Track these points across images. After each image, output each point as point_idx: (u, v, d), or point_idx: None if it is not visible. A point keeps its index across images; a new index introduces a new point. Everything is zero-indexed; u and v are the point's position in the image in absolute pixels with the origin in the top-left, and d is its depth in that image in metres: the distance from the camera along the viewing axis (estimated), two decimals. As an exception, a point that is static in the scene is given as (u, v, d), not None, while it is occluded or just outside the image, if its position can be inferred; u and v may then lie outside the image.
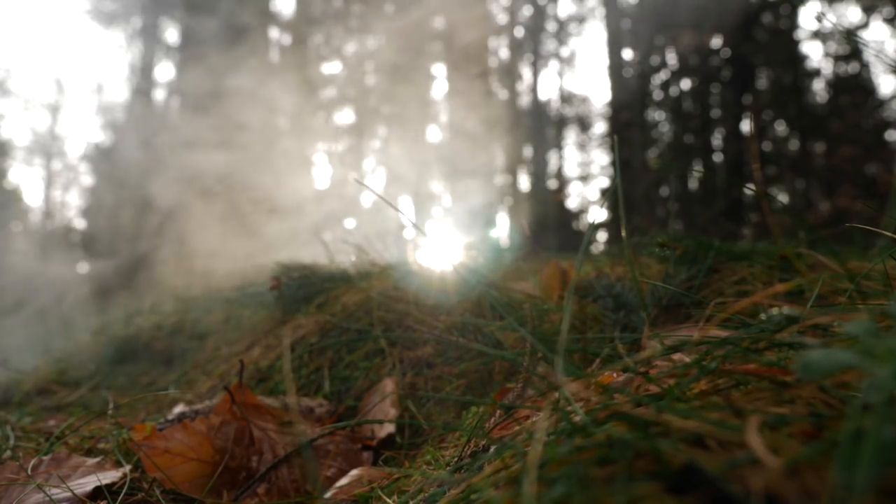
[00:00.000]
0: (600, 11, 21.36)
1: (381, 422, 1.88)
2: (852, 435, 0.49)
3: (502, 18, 22.09)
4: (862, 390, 0.56)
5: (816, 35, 18.63)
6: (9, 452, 1.88)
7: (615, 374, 0.94)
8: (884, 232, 0.80)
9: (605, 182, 23.77)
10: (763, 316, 0.89)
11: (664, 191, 20.32)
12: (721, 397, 0.77)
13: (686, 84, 20.21)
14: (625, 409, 0.74)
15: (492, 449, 0.85)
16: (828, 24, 18.15)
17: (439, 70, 21.01)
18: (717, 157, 18.92)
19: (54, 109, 26.87)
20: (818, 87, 18.56)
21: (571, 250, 13.92)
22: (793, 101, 17.79)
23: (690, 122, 19.92)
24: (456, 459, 1.20)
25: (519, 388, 1.83)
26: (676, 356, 0.88)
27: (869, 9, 16.69)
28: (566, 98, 24.84)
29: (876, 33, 19.09)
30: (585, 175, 24.96)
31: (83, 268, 22.63)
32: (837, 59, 18.19)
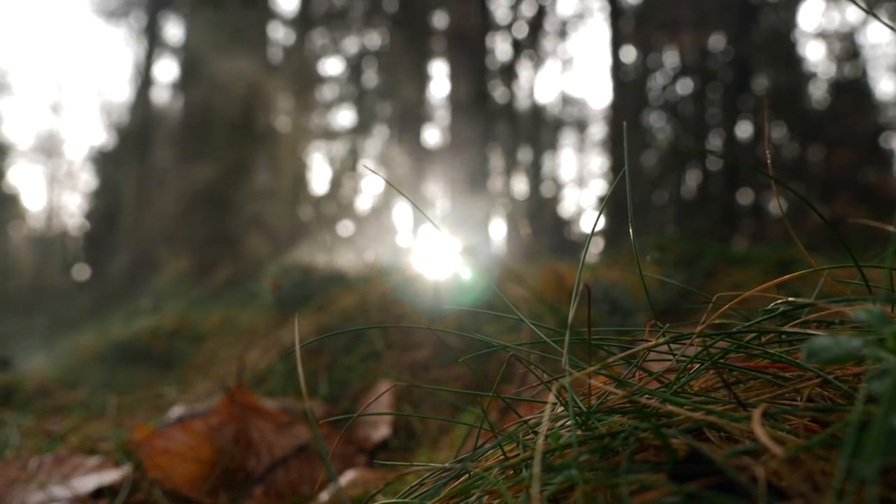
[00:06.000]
0: (603, 8, 21.34)
1: (379, 414, 1.90)
2: (858, 424, 0.48)
3: (502, 16, 22.04)
4: (866, 380, 0.57)
5: (817, 35, 18.69)
6: (10, 451, 1.90)
7: (618, 369, 0.95)
8: (890, 228, 0.81)
9: (601, 186, 23.76)
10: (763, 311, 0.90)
11: (659, 197, 20.34)
12: (724, 391, 0.78)
13: (684, 86, 20.22)
14: (629, 400, 0.76)
15: (486, 445, 0.86)
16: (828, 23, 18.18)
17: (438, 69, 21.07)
18: (716, 162, 18.93)
19: (56, 109, 26.83)
20: (816, 90, 18.59)
21: (566, 254, 13.92)
22: (790, 105, 17.80)
23: (687, 125, 19.93)
24: (453, 458, 1.21)
25: (518, 384, 1.85)
26: (678, 352, 0.89)
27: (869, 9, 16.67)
28: (565, 100, 24.83)
29: (876, 33, 19.15)
30: (580, 180, 24.96)
31: (83, 272, 22.60)
32: (838, 60, 18.19)
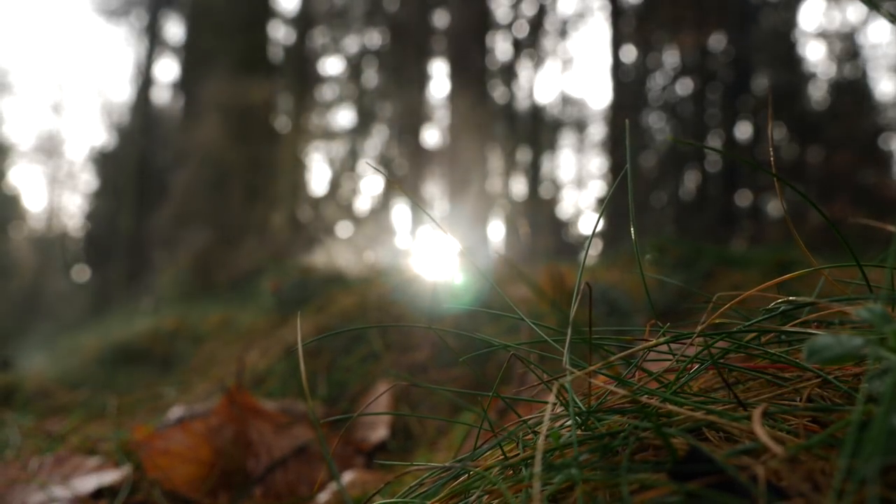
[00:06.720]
0: (603, 7, 21.27)
1: (378, 414, 1.90)
2: (858, 423, 0.48)
3: (503, 15, 21.97)
4: (866, 379, 0.57)
5: (817, 35, 18.68)
6: (11, 451, 1.90)
7: (617, 369, 0.95)
8: (890, 228, 0.80)
9: (600, 187, 23.72)
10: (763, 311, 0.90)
11: (657, 198, 20.33)
12: (724, 391, 0.78)
13: (684, 86, 20.20)
14: (629, 400, 0.76)
15: (486, 445, 0.86)
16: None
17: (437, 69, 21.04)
18: (715, 164, 18.92)
19: (57, 109, 26.81)
20: (816, 90, 18.58)
21: (565, 256, 13.91)
22: (790, 105, 17.78)
23: (687, 125, 19.91)
24: (453, 458, 1.21)
25: (517, 385, 1.85)
26: (678, 352, 0.89)
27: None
28: (565, 100, 24.77)
29: (876, 33, 19.17)
30: (579, 181, 24.93)
31: (83, 272, 22.59)
32: (838, 60, 18.18)
